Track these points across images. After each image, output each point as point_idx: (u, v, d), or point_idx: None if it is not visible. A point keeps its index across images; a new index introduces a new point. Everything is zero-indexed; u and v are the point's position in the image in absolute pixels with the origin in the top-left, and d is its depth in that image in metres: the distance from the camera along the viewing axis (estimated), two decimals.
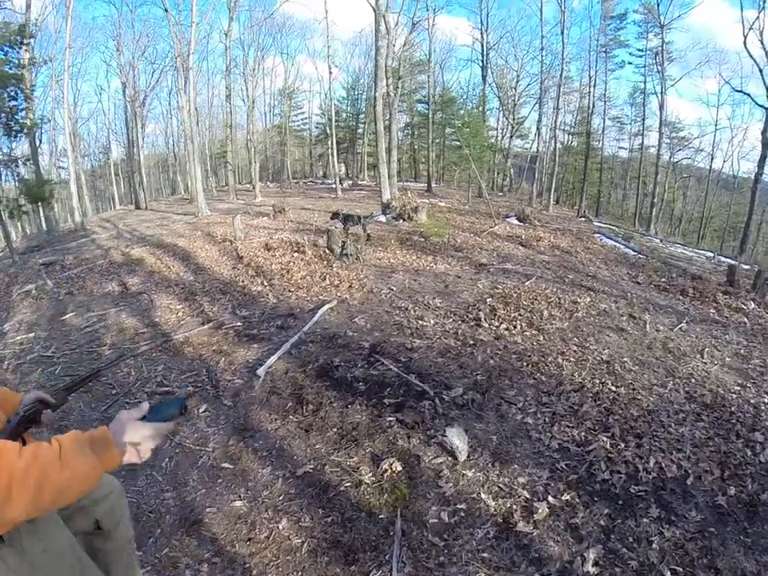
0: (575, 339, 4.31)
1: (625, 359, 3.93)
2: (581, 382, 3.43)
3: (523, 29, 33.68)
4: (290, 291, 6.18)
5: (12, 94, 10.51)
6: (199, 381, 3.91)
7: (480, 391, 3.29)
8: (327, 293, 5.99)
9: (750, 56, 16.86)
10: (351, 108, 37.57)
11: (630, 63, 28.52)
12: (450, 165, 27.41)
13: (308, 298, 5.85)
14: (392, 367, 3.60)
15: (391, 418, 2.99)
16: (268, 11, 26.80)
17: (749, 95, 18.63)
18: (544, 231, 12.13)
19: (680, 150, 29.49)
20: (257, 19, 26.75)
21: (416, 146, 34.99)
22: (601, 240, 11.83)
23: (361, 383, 3.46)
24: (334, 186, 22.41)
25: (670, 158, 23.73)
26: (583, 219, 19.13)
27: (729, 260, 12.93)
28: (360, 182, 29.23)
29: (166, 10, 17.24)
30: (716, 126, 28.24)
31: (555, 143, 24.29)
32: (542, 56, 21.84)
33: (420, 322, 4.72)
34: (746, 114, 47.29)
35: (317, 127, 39.99)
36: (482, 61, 25.42)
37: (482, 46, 25.41)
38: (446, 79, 33.46)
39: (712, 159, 29.64)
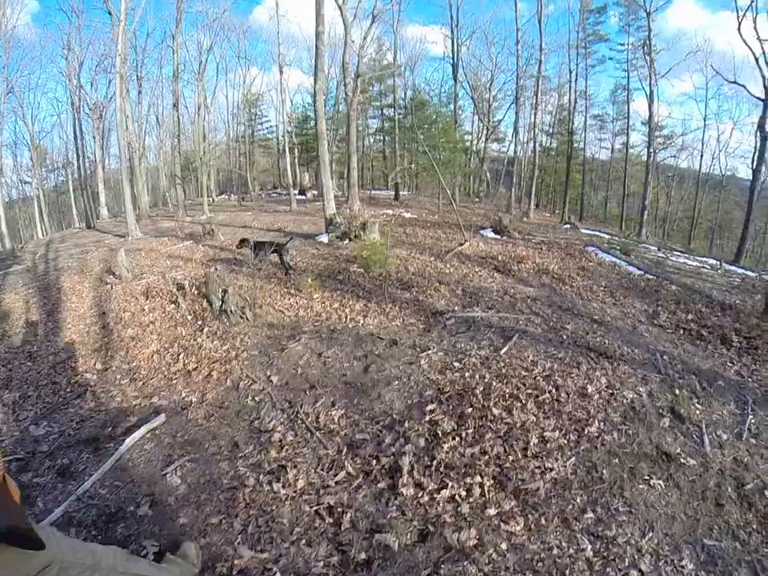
0: (591, 516, 2.01)
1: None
2: None
3: (497, 26, 32.10)
4: (121, 383, 3.78)
5: None
6: None
7: None
8: (171, 387, 3.58)
9: (745, 43, 15.65)
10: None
11: (611, 59, 27.23)
12: (421, 172, 25.24)
13: (138, 400, 3.44)
14: None
15: None
16: (219, 12, 24.17)
17: (744, 86, 16.90)
18: (526, 247, 9.89)
19: (663, 148, 28.09)
20: (206, 21, 24.26)
21: (387, 153, 32.78)
22: (596, 255, 9.58)
23: None
24: (292, 197, 20.22)
25: (653, 157, 22.16)
26: (568, 226, 17.15)
27: (736, 268, 10.83)
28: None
29: (109, 13, 14.96)
30: (705, 121, 26.93)
31: (535, 143, 22.22)
32: (517, 50, 19.77)
33: (274, 486, 2.33)
34: (734, 110, 47.63)
35: (283, 136, 37.57)
36: (453, 58, 23.30)
37: (453, 42, 23.32)
38: (417, 82, 31.61)
39: (702, 157, 28.28)
